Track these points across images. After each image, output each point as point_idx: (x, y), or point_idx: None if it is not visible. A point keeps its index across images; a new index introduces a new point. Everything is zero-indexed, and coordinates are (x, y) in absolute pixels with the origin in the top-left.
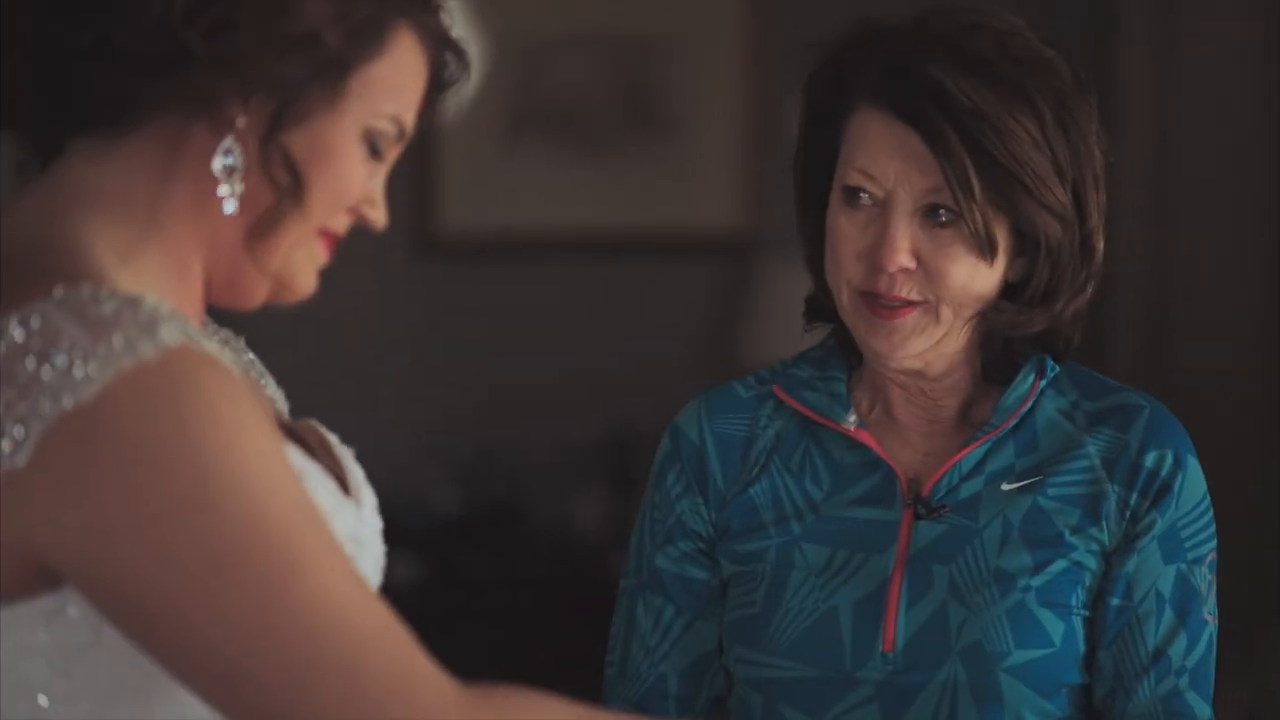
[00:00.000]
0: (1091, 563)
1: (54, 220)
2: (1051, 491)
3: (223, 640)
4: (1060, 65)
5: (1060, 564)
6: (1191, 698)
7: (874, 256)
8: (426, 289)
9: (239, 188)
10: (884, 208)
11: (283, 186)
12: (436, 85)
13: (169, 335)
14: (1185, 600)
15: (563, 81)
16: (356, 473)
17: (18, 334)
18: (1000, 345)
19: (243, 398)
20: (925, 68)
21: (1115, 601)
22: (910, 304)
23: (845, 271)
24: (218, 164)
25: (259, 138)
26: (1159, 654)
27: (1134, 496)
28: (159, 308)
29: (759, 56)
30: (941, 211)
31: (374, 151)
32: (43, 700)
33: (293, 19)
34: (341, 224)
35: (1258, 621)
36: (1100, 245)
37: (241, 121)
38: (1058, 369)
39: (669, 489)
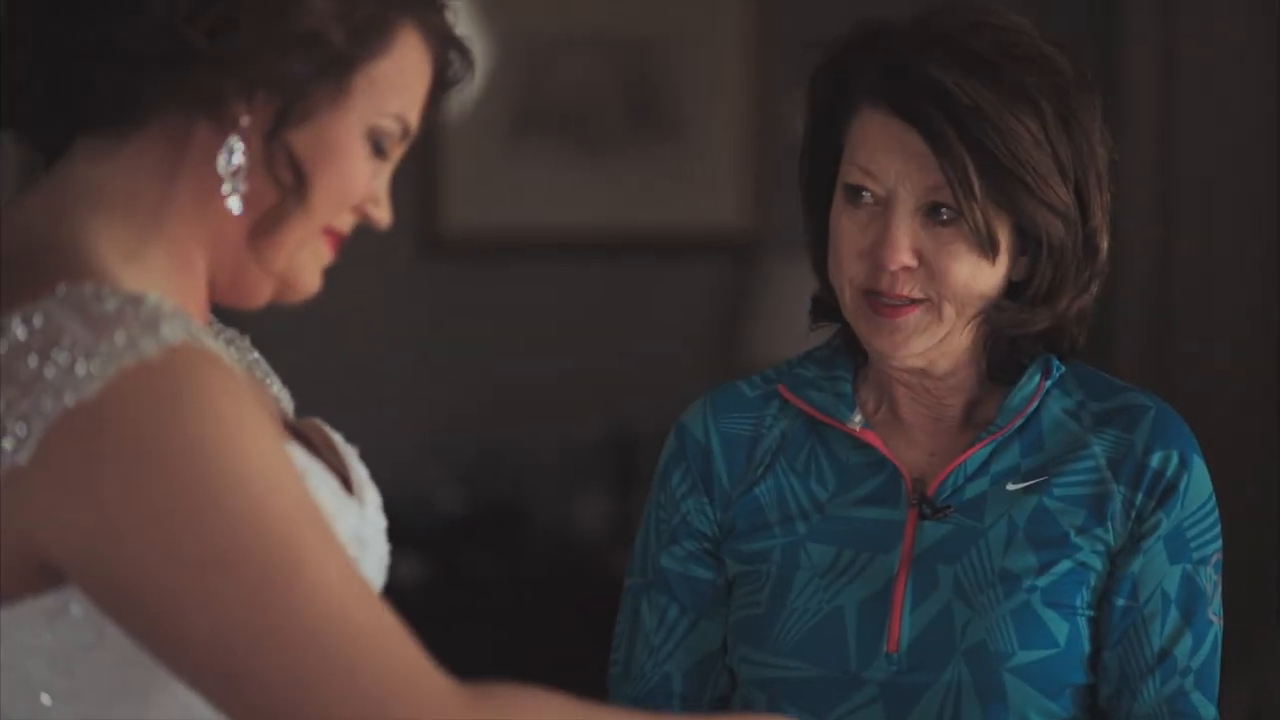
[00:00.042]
0: (1097, 563)
1: (57, 219)
2: (1057, 492)
3: (225, 638)
4: (1063, 63)
5: (1065, 564)
6: (1196, 698)
7: (875, 255)
8: (430, 288)
9: (243, 186)
10: (885, 206)
11: (287, 185)
12: (441, 84)
13: (171, 333)
14: (1190, 600)
15: (567, 81)
16: (360, 472)
17: (20, 332)
18: (1005, 345)
19: (244, 396)
20: (926, 67)
21: (1120, 602)
22: (913, 302)
23: (847, 270)
24: (222, 163)
25: (263, 136)
26: (1164, 654)
27: (1139, 497)
28: (161, 305)
29: (763, 56)
30: (943, 210)
31: (378, 150)
32: (45, 699)
33: (296, 17)
34: (346, 223)
35: (1258, 621)
36: (1104, 244)
37: (245, 120)
38: (1063, 369)
39: (674, 488)
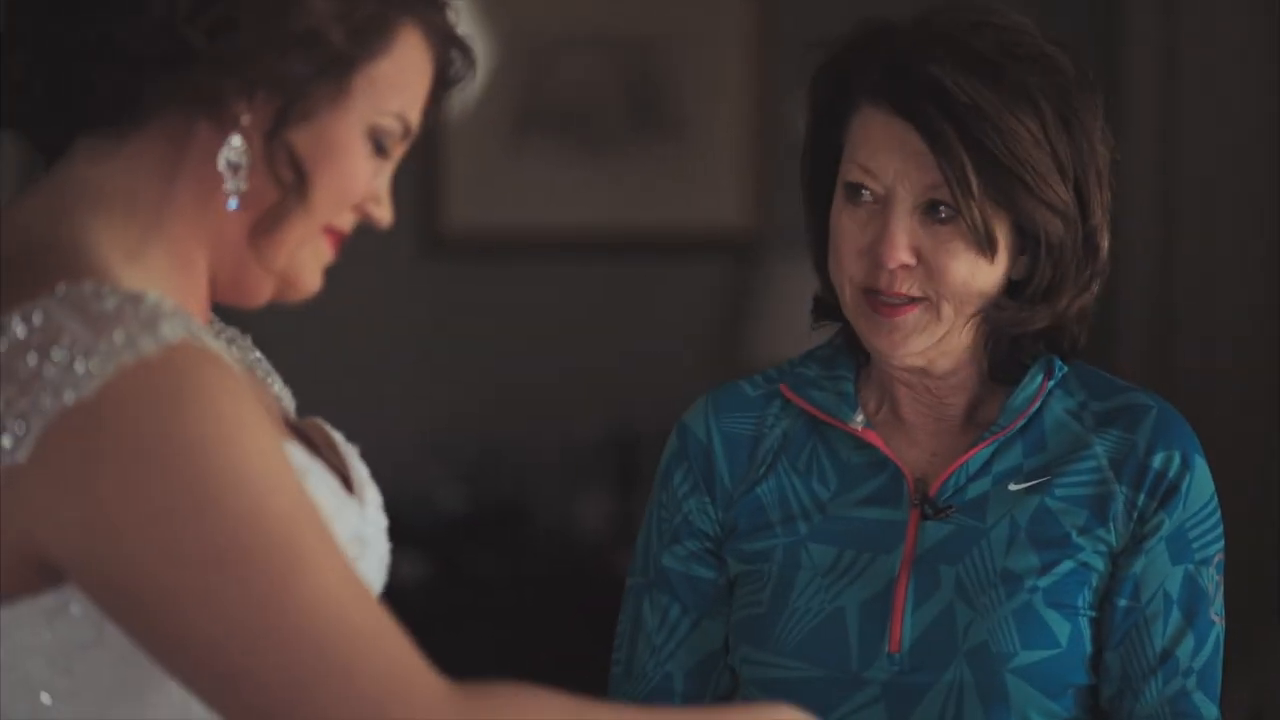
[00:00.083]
0: (1099, 563)
1: (58, 219)
2: (1059, 492)
3: (223, 638)
4: (1065, 63)
5: (1067, 565)
6: (1199, 698)
7: (874, 253)
8: (432, 287)
9: (244, 185)
10: (884, 205)
11: (287, 184)
12: (442, 83)
13: (170, 331)
14: (1193, 601)
15: (569, 81)
16: (361, 471)
17: (20, 330)
18: (1007, 344)
19: (244, 395)
20: (925, 66)
21: (1122, 602)
22: (911, 301)
23: (847, 268)
24: (222, 162)
25: (263, 135)
26: (1166, 655)
27: (1141, 497)
28: (161, 304)
29: (764, 56)
30: (941, 208)
31: (379, 149)
32: (45, 698)
33: (296, 17)
34: (347, 222)
35: (1258, 621)
36: (1105, 243)
37: (246, 119)
38: (1066, 369)
39: (676, 488)
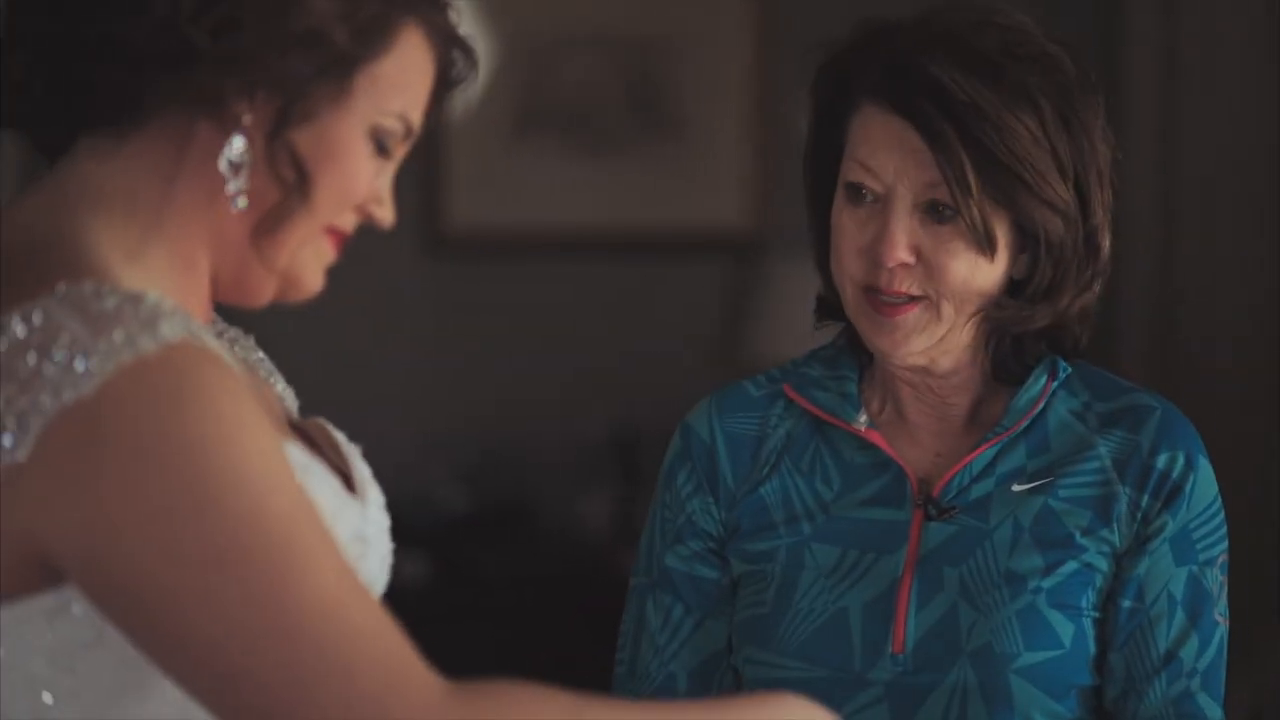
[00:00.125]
0: (1102, 564)
1: (59, 218)
2: (1062, 493)
3: (223, 638)
4: (1065, 62)
5: (1071, 565)
6: (1203, 699)
7: (874, 252)
8: (434, 287)
9: (245, 185)
10: (884, 203)
11: (289, 184)
12: (444, 83)
13: (170, 331)
14: (1197, 602)
15: (570, 80)
16: (363, 471)
17: (19, 330)
18: (1009, 344)
19: (243, 394)
20: (925, 65)
21: (1126, 603)
22: (911, 300)
23: (848, 267)
24: (224, 161)
25: (265, 135)
26: (1170, 656)
27: (1145, 498)
28: (161, 304)
29: (766, 55)
30: (941, 208)
31: (381, 149)
32: (47, 698)
33: (298, 16)
34: (348, 222)
35: (1258, 621)
36: (1106, 242)
37: (247, 119)
38: (1069, 370)
39: (679, 488)
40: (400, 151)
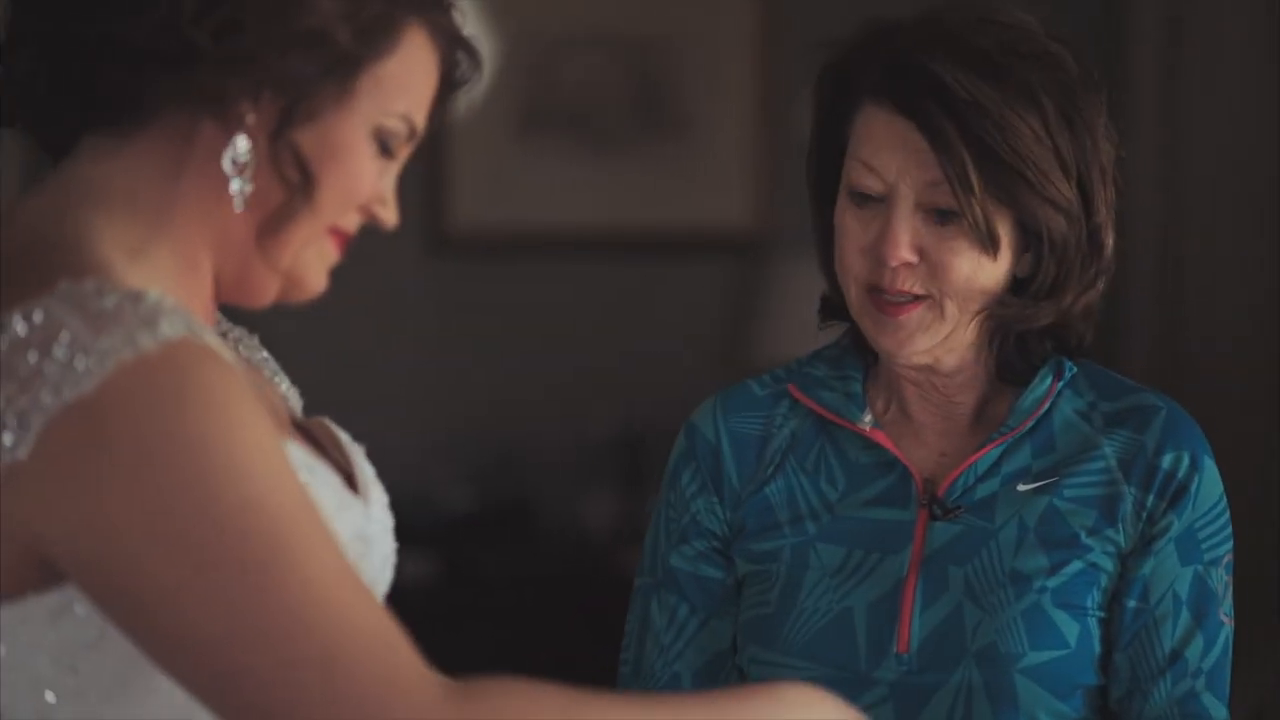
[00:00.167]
0: (1107, 564)
1: (62, 217)
2: (1068, 493)
3: (223, 636)
4: (1067, 61)
5: (1076, 565)
6: (1208, 699)
7: (877, 251)
8: (438, 286)
9: (249, 185)
10: (887, 203)
11: (293, 184)
12: (448, 84)
13: (170, 329)
14: (1202, 602)
15: (574, 80)
16: (366, 470)
17: (20, 328)
18: (1014, 343)
19: (243, 393)
20: (927, 64)
21: (1132, 603)
22: (915, 299)
23: (851, 267)
24: (227, 161)
25: (269, 135)
26: (1175, 656)
27: (1150, 498)
28: (162, 302)
29: (770, 55)
30: (944, 210)
31: (384, 150)
32: (50, 697)
33: (301, 16)
34: (352, 222)
35: (1258, 621)
36: (1109, 240)
37: (251, 119)
38: (1075, 370)
39: (684, 488)
40: (404, 152)
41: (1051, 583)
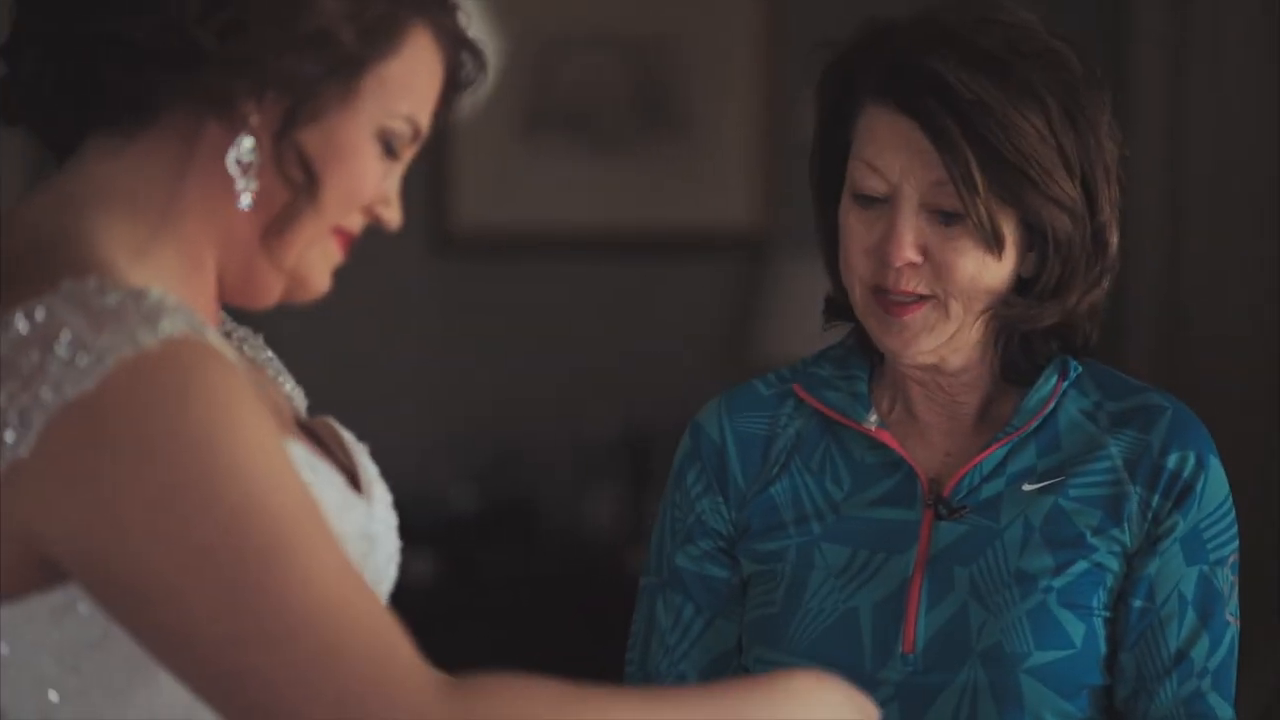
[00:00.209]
0: (1113, 564)
1: (66, 216)
2: (1073, 492)
3: (226, 634)
4: (1070, 59)
5: (1081, 565)
6: (1214, 699)
7: (881, 252)
8: (441, 286)
9: (253, 185)
10: (891, 203)
11: (297, 184)
12: (452, 86)
13: (171, 326)
14: (1208, 602)
15: (578, 80)
16: (369, 469)
17: (22, 326)
18: (1019, 343)
19: (245, 391)
20: (929, 63)
21: (1137, 603)
22: (919, 299)
23: (856, 268)
24: (232, 161)
25: (273, 135)
26: (1181, 656)
27: (1156, 498)
28: (164, 300)
29: (773, 55)
30: (948, 212)
31: (389, 151)
32: (53, 696)
33: (306, 17)
34: (356, 223)
35: (1258, 621)
36: (1114, 239)
37: (255, 119)
38: (1080, 369)
39: (689, 488)
40: (408, 153)
41: (1057, 583)
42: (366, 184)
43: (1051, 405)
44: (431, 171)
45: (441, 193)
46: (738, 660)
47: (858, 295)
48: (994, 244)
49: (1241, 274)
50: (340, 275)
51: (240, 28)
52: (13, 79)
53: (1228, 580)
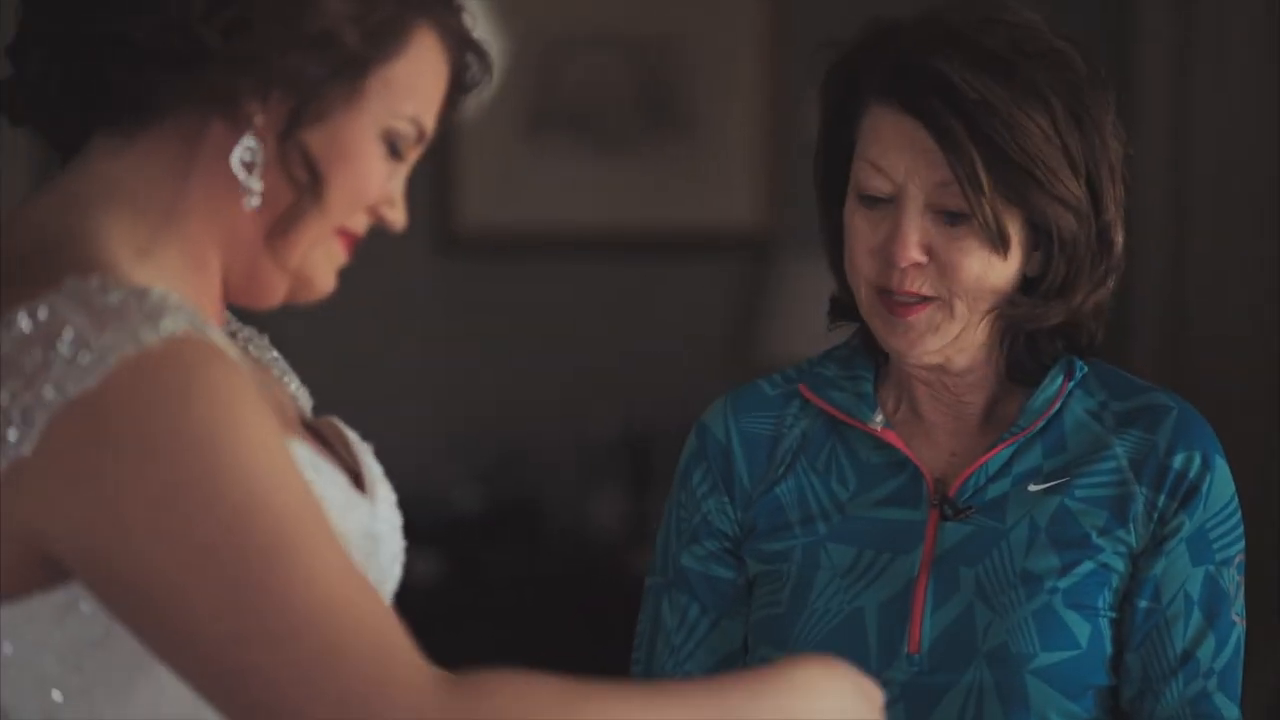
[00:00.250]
0: (1119, 564)
1: (70, 216)
2: (1079, 493)
3: (228, 633)
4: (1075, 59)
5: (1087, 565)
6: (1220, 699)
7: (886, 252)
8: (446, 286)
9: (258, 185)
10: (896, 203)
11: (301, 184)
12: (457, 87)
13: (173, 324)
14: (1214, 602)
15: (582, 80)
16: (373, 469)
17: (25, 324)
18: (1024, 343)
19: (247, 390)
20: (934, 63)
21: (1143, 604)
22: (924, 300)
23: (861, 268)
24: (236, 161)
25: (277, 135)
26: (1187, 656)
27: (1162, 498)
28: (167, 298)
29: (777, 55)
30: (953, 212)
31: (394, 152)
32: (56, 696)
33: (311, 17)
34: (360, 223)
35: (1258, 621)
36: (1119, 238)
37: (260, 119)
38: (1086, 369)
39: (695, 488)
40: (413, 154)
41: (1063, 583)
42: (371, 185)
43: (1057, 405)
44: (436, 171)
45: (446, 193)
46: (743, 660)
47: (863, 295)
48: (999, 244)
49: (1245, 274)
50: (345, 275)
51: (245, 26)
52: (18, 79)
53: (1234, 580)
